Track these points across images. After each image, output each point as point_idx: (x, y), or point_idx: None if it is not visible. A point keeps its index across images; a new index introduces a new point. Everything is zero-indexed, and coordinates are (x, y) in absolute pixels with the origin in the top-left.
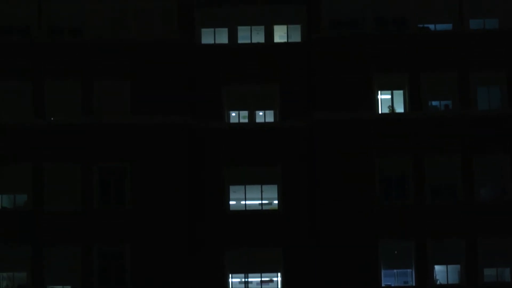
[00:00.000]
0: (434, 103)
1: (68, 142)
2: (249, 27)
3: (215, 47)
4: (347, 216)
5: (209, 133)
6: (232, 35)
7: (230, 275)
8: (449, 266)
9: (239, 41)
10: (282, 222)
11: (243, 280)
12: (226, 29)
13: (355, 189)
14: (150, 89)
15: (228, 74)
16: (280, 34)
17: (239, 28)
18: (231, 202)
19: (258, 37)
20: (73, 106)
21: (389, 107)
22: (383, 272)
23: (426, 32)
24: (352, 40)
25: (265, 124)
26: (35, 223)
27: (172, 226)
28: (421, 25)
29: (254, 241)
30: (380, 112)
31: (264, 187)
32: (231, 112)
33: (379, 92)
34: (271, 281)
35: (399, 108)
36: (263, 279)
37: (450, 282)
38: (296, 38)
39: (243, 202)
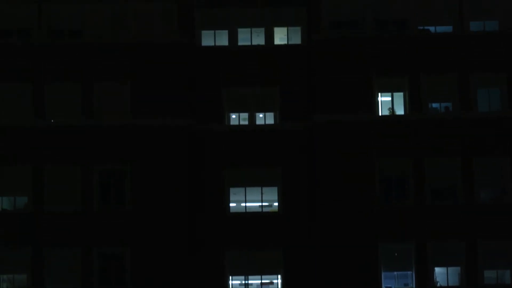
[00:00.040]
0: (434, 105)
1: (68, 143)
2: (249, 29)
3: (215, 49)
4: (347, 217)
5: (209, 134)
6: (232, 37)
7: (230, 277)
8: (449, 268)
9: (239, 43)
10: (282, 223)
11: (243, 282)
12: (226, 31)
13: (355, 190)
14: (150, 90)
15: (228, 75)
16: (280, 37)
17: (239, 30)
18: (231, 204)
19: (259, 39)
20: (73, 107)
21: (389, 109)
22: (383, 274)
23: (426, 34)
24: (352, 41)
25: (265, 126)
26: (35, 225)
27: (172, 227)
28: (421, 27)
29: (254, 242)
30: (380, 114)
31: (264, 189)
32: (231, 114)
33: (379, 94)
34: (271, 283)
35: (399, 110)
36: (263, 281)
37: (450, 284)
38: (296, 40)
39: (243, 204)
